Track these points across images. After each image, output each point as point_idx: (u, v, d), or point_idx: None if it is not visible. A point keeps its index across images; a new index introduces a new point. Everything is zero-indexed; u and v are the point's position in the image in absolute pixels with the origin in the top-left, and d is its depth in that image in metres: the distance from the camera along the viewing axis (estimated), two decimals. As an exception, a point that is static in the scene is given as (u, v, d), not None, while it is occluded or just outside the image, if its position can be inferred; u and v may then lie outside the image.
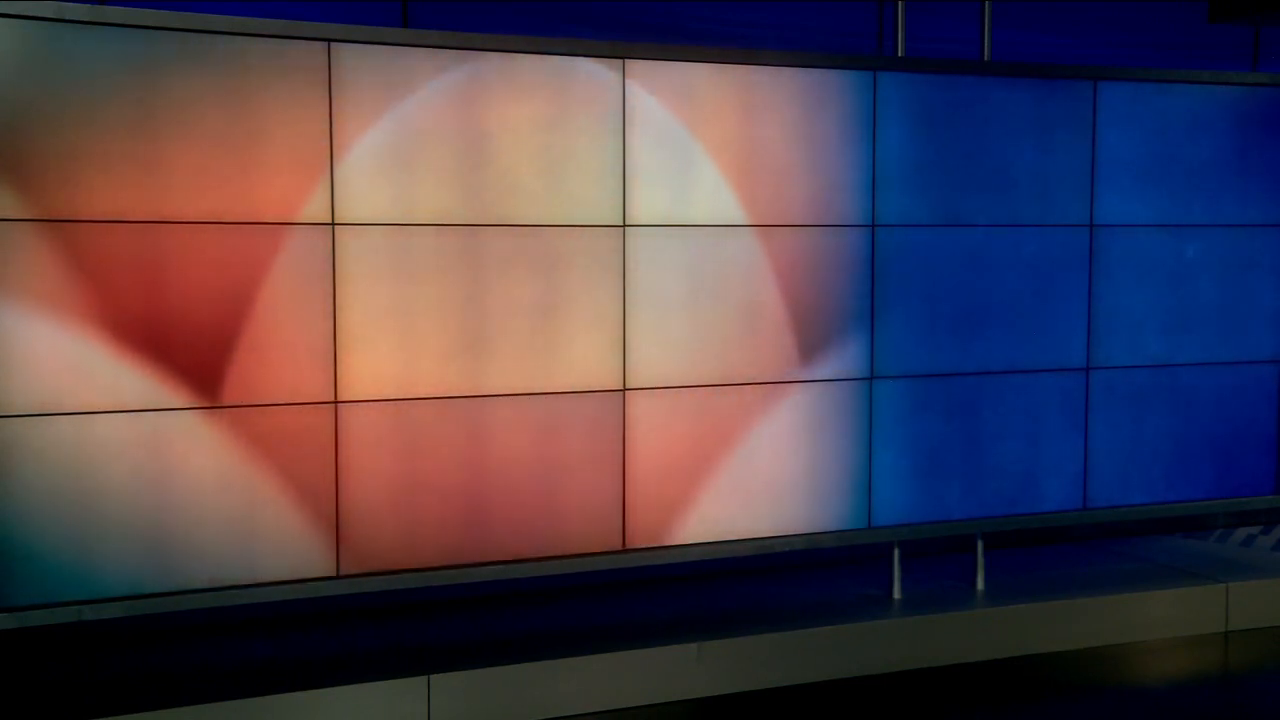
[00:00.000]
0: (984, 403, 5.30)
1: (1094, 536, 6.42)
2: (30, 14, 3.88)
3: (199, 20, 4.08)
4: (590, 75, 4.58)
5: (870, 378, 5.10)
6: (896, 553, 5.38)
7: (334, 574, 4.40)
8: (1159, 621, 5.51)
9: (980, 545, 5.52)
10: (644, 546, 4.82)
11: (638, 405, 4.76)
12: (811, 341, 4.99)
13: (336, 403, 4.35)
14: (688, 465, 4.85)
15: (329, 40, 4.24)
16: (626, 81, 4.63)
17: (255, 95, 4.16)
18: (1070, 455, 5.48)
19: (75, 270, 3.99)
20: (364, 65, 4.29)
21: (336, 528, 4.39)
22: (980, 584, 5.52)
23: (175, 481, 4.17)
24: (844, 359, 5.05)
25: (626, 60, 4.63)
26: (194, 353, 4.15)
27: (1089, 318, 5.44)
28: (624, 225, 4.68)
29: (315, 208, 4.27)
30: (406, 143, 4.37)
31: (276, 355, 4.25)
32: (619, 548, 4.79)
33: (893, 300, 5.11)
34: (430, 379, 4.47)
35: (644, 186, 4.69)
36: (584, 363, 4.67)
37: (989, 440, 5.33)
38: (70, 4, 3.94)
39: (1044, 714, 4.77)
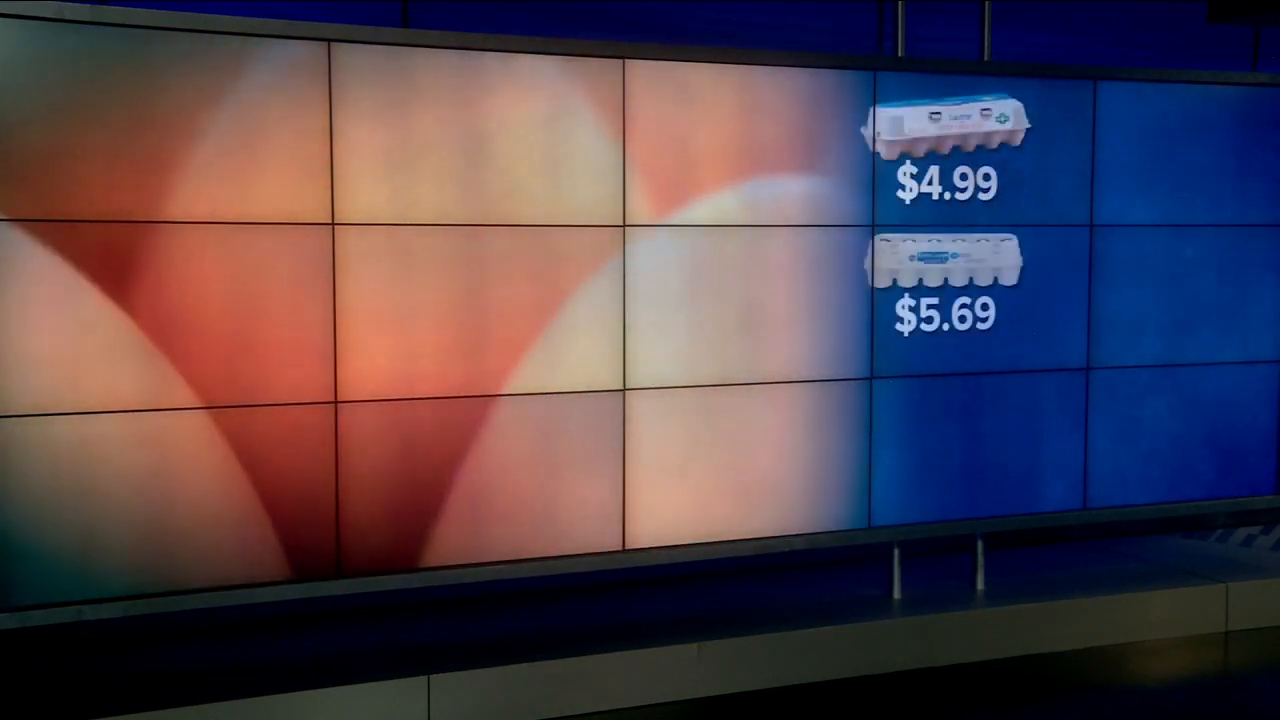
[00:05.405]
0: (984, 403, 5.30)
1: (1094, 536, 6.41)
2: (30, 14, 3.88)
3: (199, 20, 4.08)
4: (590, 75, 4.58)
5: (870, 378, 5.10)
6: (896, 553, 5.38)
7: (334, 574, 4.40)
8: (1159, 621, 5.51)
9: (980, 545, 5.52)
10: (644, 546, 4.82)
11: (638, 405, 4.76)
12: (811, 341, 4.99)
13: (336, 403, 4.35)
14: (688, 465, 4.85)
15: (329, 40, 4.24)
16: (626, 81, 4.63)
17: (255, 95, 4.16)
18: (1070, 455, 5.48)
19: (75, 270, 3.99)
20: (364, 65, 4.29)
21: (336, 528, 4.39)
22: (980, 584, 5.52)
23: (175, 481, 4.17)
24: (844, 358, 5.05)
25: (626, 60, 4.63)
26: (194, 352, 4.15)
27: (1089, 317, 5.43)
28: (624, 225, 4.68)
29: (315, 207, 4.27)
30: (406, 142, 4.37)
31: (276, 355, 4.25)
32: (619, 548, 4.79)
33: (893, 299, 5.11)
34: (430, 379, 4.46)
35: (644, 186, 4.69)
36: (584, 363, 4.67)
37: (989, 440, 5.33)
38: (70, 4, 3.94)
39: (1044, 714, 4.77)
